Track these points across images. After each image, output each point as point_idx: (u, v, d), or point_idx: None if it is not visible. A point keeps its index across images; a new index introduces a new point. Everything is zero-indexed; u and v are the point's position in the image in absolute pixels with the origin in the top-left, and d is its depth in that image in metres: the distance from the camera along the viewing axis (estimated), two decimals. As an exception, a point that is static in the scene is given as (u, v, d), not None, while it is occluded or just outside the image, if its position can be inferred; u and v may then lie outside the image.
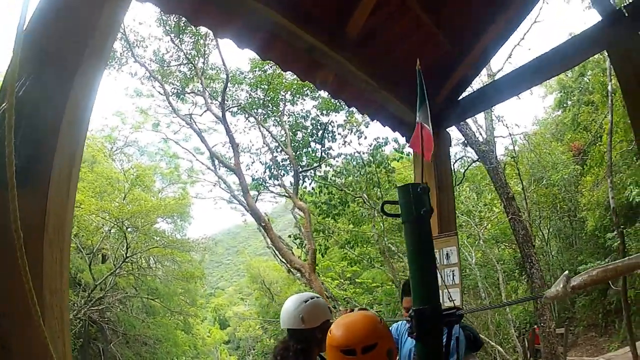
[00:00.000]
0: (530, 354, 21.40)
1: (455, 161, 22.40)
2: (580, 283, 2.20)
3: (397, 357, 5.37)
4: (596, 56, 21.63)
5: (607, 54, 9.35)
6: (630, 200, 18.62)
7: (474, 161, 22.12)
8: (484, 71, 19.24)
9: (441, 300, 2.71)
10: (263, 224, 21.23)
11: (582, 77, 27.62)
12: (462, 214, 24.59)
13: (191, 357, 44.27)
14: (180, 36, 22.34)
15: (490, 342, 19.15)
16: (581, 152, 26.99)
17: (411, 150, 14.19)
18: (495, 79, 17.92)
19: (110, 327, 28.51)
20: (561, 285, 2.28)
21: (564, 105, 30.60)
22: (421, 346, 2.58)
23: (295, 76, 20.48)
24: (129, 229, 27.89)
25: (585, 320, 24.44)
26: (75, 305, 23.83)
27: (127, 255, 27.38)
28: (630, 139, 18.65)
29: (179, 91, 24.48)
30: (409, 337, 4.91)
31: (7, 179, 1.73)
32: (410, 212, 2.59)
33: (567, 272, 2.44)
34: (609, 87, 16.11)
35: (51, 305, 2.75)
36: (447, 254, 6.52)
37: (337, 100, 19.29)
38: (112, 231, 28.91)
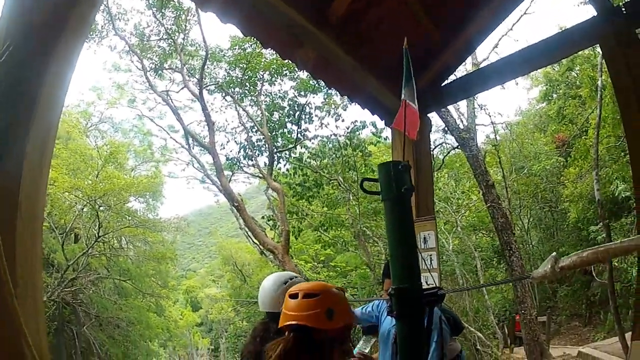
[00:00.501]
0: (511, 340, 21.58)
1: (435, 147, 22.49)
2: (569, 264, 2.22)
3: (374, 335, 5.46)
4: (586, 52, 21.71)
5: (599, 48, 9.39)
6: (616, 195, 18.64)
7: (454, 148, 22.21)
8: (469, 60, 19.25)
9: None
10: (236, 204, 21.20)
11: (570, 72, 27.59)
12: (440, 201, 24.54)
13: (164, 340, 44.39)
14: (162, 10, 22.29)
15: (469, 327, 19.22)
16: (565, 144, 26.98)
17: (389, 135, 14.16)
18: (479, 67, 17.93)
19: (83, 310, 28.22)
20: (549, 266, 2.30)
21: (549, 97, 30.56)
22: (401, 326, 2.59)
23: (274, 55, 20.50)
24: (101, 208, 27.69)
25: (568, 309, 24.60)
26: (49, 286, 23.54)
27: (100, 234, 27.13)
28: (617, 135, 18.66)
29: (157, 66, 24.35)
30: (389, 316, 4.95)
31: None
32: (391, 190, 2.61)
33: (554, 253, 2.47)
34: (599, 82, 16.09)
35: (24, 283, 2.73)
36: (424, 238, 6.54)
37: (316, 82, 19.28)
38: (84, 210, 28.64)
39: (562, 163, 26.08)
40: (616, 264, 16.03)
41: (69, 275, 25.72)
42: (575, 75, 27.08)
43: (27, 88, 2.86)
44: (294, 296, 2.70)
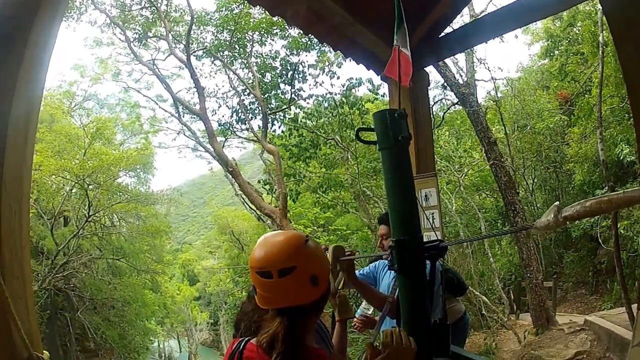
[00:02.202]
0: (517, 306, 21.63)
1: (434, 103, 22.46)
2: (573, 213, 2.19)
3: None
4: (587, 7, 21.66)
5: (599, 4, 9.26)
6: (621, 158, 18.46)
7: (454, 104, 22.13)
8: (466, 11, 19.10)
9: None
10: (231, 170, 21.17)
11: (571, 28, 27.40)
12: (441, 159, 24.65)
13: (161, 317, 44.43)
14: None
15: (474, 292, 19.20)
16: (568, 102, 26.82)
17: (386, 91, 14.12)
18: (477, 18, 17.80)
19: (76, 294, 28.27)
20: (552, 215, 2.27)
21: (551, 54, 30.33)
22: (402, 279, 2.58)
23: (263, 14, 20.34)
24: (90, 186, 27.48)
25: (574, 276, 24.41)
26: (40, 275, 23.45)
27: (90, 214, 26.85)
28: (621, 95, 18.52)
29: (140, 36, 24.22)
30: (389, 270, 4.94)
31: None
32: (387, 139, 2.58)
33: (557, 202, 2.44)
34: (601, 39, 15.92)
35: (11, 263, 2.71)
36: (425, 195, 6.46)
37: (308, 39, 19.18)
38: (73, 191, 28.63)
39: (565, 122, 25.99)
40: (622, 232, 16.00)
41: (60, 261, 25.59)
42: (577, 32, 26.91)
43: (4, 70, 2.84)
44: (266, 275, 2.39)
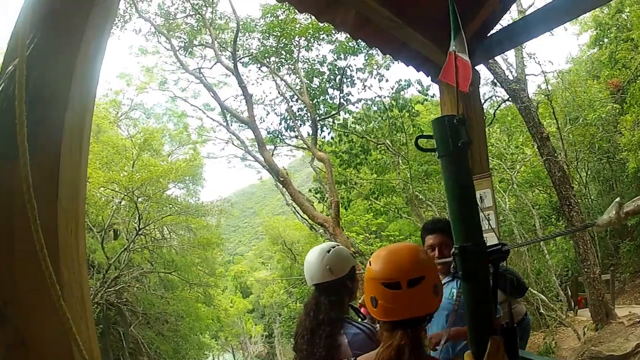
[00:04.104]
0: (574, 302, 21.38)
1: (485, 101, 22.28)
2: (635, 208, 2.19)
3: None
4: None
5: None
6: (678, 143, 18.28)
7: (504, 100, 21.99)
8: (514, 7, 18.99)
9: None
10: (282, 179, 21.07)
11: (620, 14, 27.13)
12: (493, 158, 24.38)
13: (215, 331, 44.36)
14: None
15: (532, 290, 19.04)
16: (620, 90, 26.51)
17: (436, 92, 14.03)
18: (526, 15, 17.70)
19: (129, 308, 28.45)
20: (613, 212, 2.27)
21: (600, 42, 29.99)
22: (467, 286, 2.59)
23: (309, 20, 20.36)
24: (139, 199, 27.56)
25: (632, 266, 24.13)
26: (92, 289, 23.40)
27: (140, 227, 26.94)
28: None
29: (186, 44, 24.44)
30: (452, 279, 4.90)
31: (15, 147, 1.71)
32: (447, 145, 2.60)
33: (618, 198, 2.44)
34: (652, 23, 15.81)
35: (69, 282, 2.67)
36: (480, 197, 6.43)
37: (355, 42, 19.17)
38: (122, 203, 28.53)
39: (617, 110, 25.67)
40: (680, 215, 15.77)
41: (112, 275, 25.78)
42: (626, 18, 26.59)
43: (58, 76, 2.85)
44: (394, 285, 2.38)
